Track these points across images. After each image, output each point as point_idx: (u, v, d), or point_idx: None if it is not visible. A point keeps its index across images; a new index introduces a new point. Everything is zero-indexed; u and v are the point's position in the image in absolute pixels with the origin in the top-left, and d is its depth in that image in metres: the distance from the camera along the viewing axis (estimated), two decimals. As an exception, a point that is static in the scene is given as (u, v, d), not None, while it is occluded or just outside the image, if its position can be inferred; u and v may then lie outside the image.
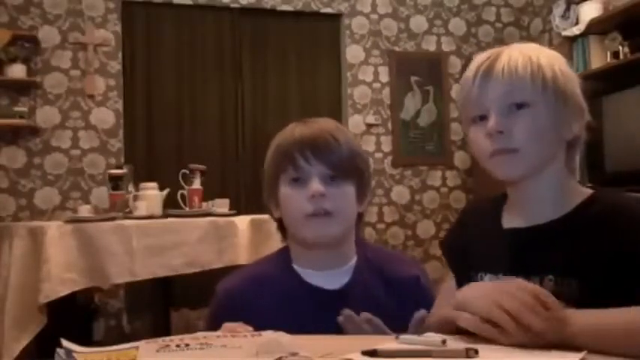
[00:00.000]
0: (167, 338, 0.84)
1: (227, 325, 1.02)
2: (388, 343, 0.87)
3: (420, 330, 1.04)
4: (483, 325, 0.84)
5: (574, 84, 1.04)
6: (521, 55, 1.02)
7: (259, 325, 1.00)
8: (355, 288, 1.21)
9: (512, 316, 0.81)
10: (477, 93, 1.02)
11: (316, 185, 1.15)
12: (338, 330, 1.07)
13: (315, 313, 1.16)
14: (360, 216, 1.25)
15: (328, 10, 4.84)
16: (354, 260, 1.24)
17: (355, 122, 4.77)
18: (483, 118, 1.02)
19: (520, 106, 0.99)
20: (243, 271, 1.33)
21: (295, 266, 1.23)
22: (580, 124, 1.05)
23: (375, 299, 1.20)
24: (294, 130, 1.21)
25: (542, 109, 0.99)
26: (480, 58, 1.05)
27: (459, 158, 5.01)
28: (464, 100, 1.06)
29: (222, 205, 3.03)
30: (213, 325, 1.17)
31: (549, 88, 1.00)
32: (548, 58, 1.02)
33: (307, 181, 1.16)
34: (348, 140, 1.21)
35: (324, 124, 1.23)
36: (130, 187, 2.95)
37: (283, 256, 1.26)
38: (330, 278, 1.21)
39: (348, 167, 1.18)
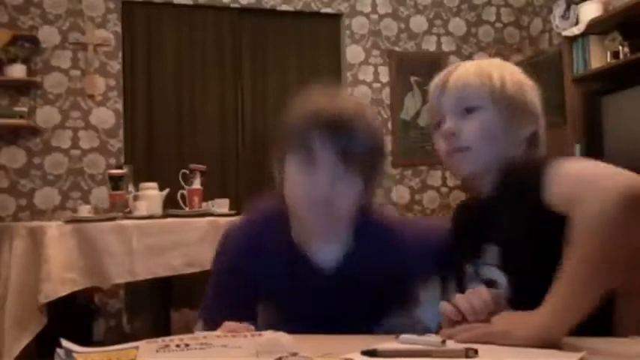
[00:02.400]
0: (167, 338, 0.84)
1: (227, 324, 1.03)
2: (388, 343, 0.88)
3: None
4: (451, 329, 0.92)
5: (526, 92, 1.13)
6: (475, 66, 1.14)
7: (258, 288, 1.13)
8: (351, 266, 1.19)
9: (456, 308, 0.93)
10: (436, 102, 1.16)
11: (323, 175, 1.10)
12: (329, 309, 1.12)
13: (309, 291, 1.17)
14: (368, 201, 1.21)
15: (328, 10, 4.84)
16: (352, 237, 1.21)
17: (355, 122, 4.77)
18: (441, 123, 1.14)
19: (470, 110, 1.10)
20: (249, 225, 1.28)
21: (294, 237, 1.21)
22: (532, 127, 1.13)
23: (372, 276, 1.18)
24: (312, 107, 1.14)
25: (490, 113, 1.09)
26: (442, 72, 1.18)
27: (459, 158, 5.01)
28: (428, 109, 1.20)
29: (222, 205, 3.03)
30: (219, 276, 1.26)
31: (497, 95, 1.10)
32: (500, 69, 1.13)
33: (315, 166, 1.11)
34: (365, 129, 1.14)
35: (343, 104, 1.16)
36: (130, 187, 2.95)
37: (283, 220, 1.22)
38: (328, 253, 1.19)
39: (359, 159, 1.12)
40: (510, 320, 0.88)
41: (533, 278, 0.91)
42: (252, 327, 1.01)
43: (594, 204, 0.82)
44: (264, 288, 1.20)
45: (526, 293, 0.92)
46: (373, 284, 1.18)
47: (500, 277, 1.02)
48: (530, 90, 1.13)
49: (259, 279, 1.20)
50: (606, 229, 0.81)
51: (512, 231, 1.00)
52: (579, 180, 0.88)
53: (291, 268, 1.20)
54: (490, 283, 1.03)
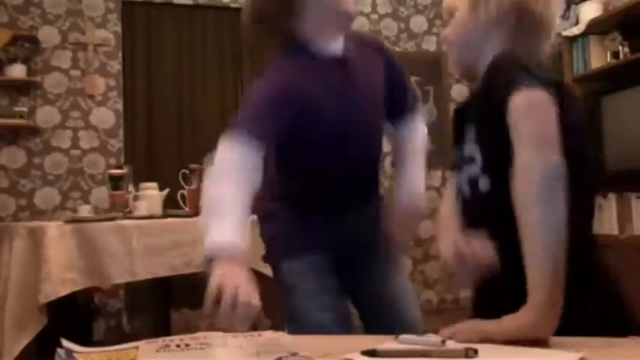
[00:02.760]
0: (167, 338, 0.84)
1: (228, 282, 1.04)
2: (388, 342, 0.88)
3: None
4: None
5: None
6: None
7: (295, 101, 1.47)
8: (352, 50, 1.59)
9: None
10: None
11: None
12: (342, 88, 1.55)
13: (330, 76, 1.55)
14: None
15: (328, 10, 4.84)
16: (344, 37, 1.60)
17: (355, 122, 4.77)
18: None
19: (452, 15, 1.25)
20: (278, 64, 1.66)
21: (312, 50, 1.57)
22: (511, 19, 1.18)
23: (365, 58, 1.61)
24: None
25: (464, 13, 1.22)
26: None
27: (459, 158, 5.01)
28: None
29: (222, 205, 3.02)
30: (265, 91, 1.52)
31: None
32: None
33: None
34: None
35: None
36: (130, 187, 2.95)
37: (297, 46, 1.59)
38: (336, 47, 1.58)
39: None
40: (504, 319, 0.91)
41: (500, 154, 1.02)
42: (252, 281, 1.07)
43: (525, 187, 0.96)
44: (300, 97, 1.50)
45: (495, 166, 1.07)
46: (373, 66, 1.62)
47: (477, 153, 1.13)
48: None
49: (297, 90, 1.50)
50: (539, 211, 0.93)
51: (485, 116, 1.10)
52: (519, 132, 0.99)
53: (316, 65, 1.55)
54: (470, 160, 1.15)
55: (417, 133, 1.83)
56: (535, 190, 0.94)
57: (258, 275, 3.15)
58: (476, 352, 0.80)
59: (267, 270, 2.70)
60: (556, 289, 0.89)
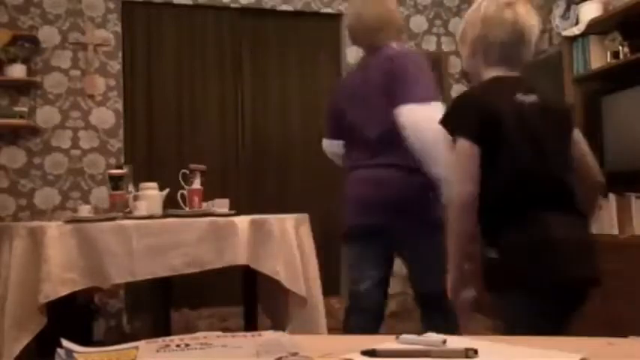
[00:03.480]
0: (167, 338, 0.84)
1: None
2: (388, 342, 0.88)
3: None
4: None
5: (475, 27, 1.75)
6: None
7: None
8: None
9: None
10: None
11: None
12: None
13: None
14: None
15: (328, 10, 4.84)
16: None
17: (355, 122, 4.76)
18: None
19: None
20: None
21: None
22: (466, 50, 1.73)
23: None
24: None
25: (460, 48, 1.85)
26: None
27: (459, 158, 5.01)
28: None
29: (222, 205, 3.02)
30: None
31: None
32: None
33: None
34: None
35: None
36: (130, 187, 2.94)
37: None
38: None
39: None
40: None
41: None
42: None
43: (449, 209, 1.49)
44: None
45: None
46: None
47: None
48: (475, 24, 1.72)
49: None
50: (451, 223, 1.48)
51: None
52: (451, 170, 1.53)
53: None
54: None
55: None
56: (449, 213, 1.46)
57: (258, 275, 3.12)
58: (476, 352, 0.80)
59: (265, 269, 2.70)
60: (457, 280, 1.47)
